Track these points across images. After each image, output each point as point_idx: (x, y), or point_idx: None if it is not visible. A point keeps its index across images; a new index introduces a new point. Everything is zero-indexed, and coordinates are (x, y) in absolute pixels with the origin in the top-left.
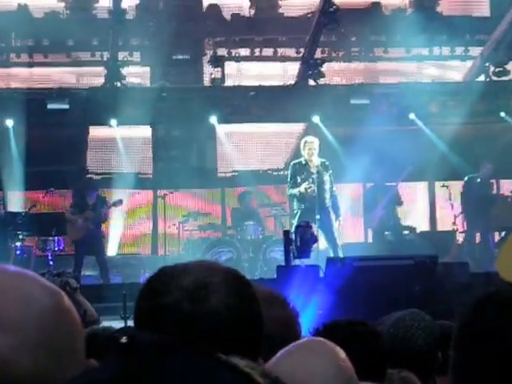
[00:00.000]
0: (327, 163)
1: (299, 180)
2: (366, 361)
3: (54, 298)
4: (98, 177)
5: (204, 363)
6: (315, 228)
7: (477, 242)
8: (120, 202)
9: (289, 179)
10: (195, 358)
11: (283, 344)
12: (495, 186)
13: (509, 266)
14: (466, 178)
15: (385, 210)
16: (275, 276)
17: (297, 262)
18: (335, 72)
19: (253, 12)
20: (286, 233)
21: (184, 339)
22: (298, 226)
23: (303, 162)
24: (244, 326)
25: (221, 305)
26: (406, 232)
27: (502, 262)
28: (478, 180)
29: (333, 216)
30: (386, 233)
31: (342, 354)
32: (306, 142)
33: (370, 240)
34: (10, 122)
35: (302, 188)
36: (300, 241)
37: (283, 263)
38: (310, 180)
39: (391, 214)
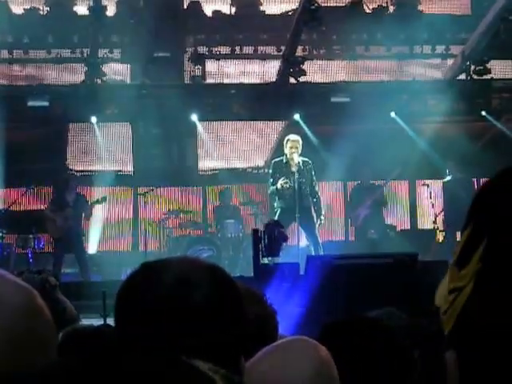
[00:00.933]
0: (310, 162)
1: (279, 177)
2: (380, 358)
3: (26, 297)
4: (79, 174)
5: (165, 366)
6: (296, 226)
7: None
8: (104, 199)
9: (270, 177)
10: (157, 359)
11: (258, 342)
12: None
13: (442, 297)
14: (445, 179)
15: (370, 209)
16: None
17: (265, 260)
18: (316, 70)
19: (234, 10)
20: (255, 231)
21: (150, 337)
22: (266, 225)
23: (284, 161)
24: (227, 322)
25: (203, 301)
26: (388, 231)
27: (439, 292)
28: (455, 179)
29: (314, 214)
30: (371, 231)
31: (323, 352)
32: (288, 139)
33: (351, 238)
34: None
35: (278, 184)
36: (268, 239)
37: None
38: (290, 178)
39: (376, 214)
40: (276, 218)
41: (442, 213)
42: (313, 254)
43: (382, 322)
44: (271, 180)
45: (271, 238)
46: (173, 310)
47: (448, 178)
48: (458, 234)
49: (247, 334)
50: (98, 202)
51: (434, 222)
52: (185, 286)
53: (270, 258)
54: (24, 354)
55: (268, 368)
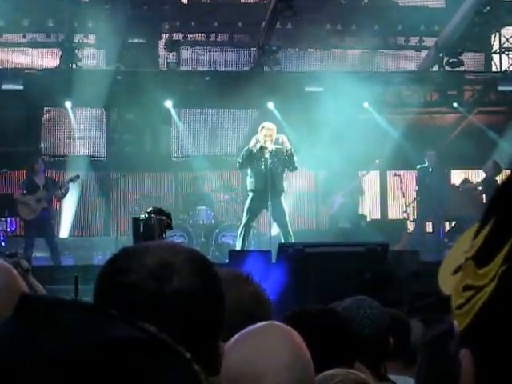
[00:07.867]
0: (283, 149)
1: (252, 161)
2: (337, 349)
3: (8, 278)
4: (52, 159)
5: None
6: (267, 214)
7: (428, 231)
8: (77, 177)
9: (240, 154)
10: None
11: (252, 322)
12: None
13: (446, 279)
14: (418, 167)
15: (345, 198)
16: (227, 261)
17: None
18: (290, 59)
19: None
20: (135, 219)
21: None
22: (147, 212)
23: (258, 146)
24: (207, 306)
25: (184, 285)
26: (359, 220)
27: (441, 274)
28: (430, 169)
29: (285, 202)
30: (344, 221)
31: (298, 338)
32: (263, 127)
33: (324, 227)
34: None
35: (250, 145)
36: (144, 227)
37: (235, 248)
38: (262, 165)
39: (351, 203)
40: (248, 202)
41: (415, 202)
42: (283, 241)
43: (337, 313)
44: (241, 155)
45: (147, 225)
46: (154, 293)
47: (423, 165)
48: (429, 225)
49: (225, 319)
50: (71, 180)
51: (405, 212)
52: (166, 270)
53: None
54: None
55: (244, 355)
